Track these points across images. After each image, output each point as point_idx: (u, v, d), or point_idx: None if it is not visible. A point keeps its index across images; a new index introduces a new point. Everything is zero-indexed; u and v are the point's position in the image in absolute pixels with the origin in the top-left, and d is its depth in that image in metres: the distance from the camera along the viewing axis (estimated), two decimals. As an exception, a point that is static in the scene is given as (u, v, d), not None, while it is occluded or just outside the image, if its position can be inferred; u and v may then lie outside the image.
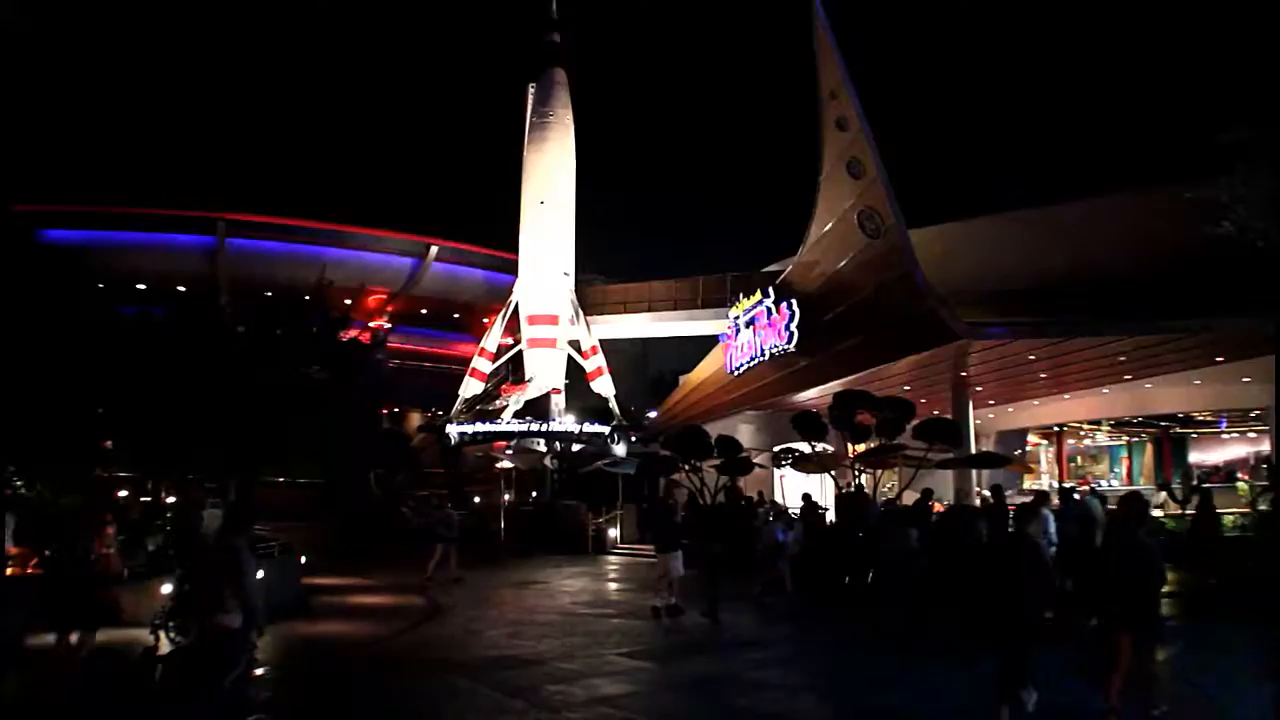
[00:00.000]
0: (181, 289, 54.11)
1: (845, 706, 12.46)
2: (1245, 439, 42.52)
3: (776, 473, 32.65)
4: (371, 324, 58.57)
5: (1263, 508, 24.15)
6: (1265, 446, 35.36)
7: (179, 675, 10.22)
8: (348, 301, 51.92)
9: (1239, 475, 37.14)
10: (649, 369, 67.16)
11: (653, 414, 50.90)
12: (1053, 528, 18.60)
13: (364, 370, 28.97)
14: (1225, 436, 43.77)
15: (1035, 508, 12.46)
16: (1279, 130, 10.45)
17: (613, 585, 25.34)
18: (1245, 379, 30.63)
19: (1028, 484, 38.83)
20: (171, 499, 24.42)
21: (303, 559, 21.82)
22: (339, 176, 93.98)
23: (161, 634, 14.23)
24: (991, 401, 37.18)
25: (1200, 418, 40.64)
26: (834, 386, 28.07)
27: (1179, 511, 25.95)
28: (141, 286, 50.57)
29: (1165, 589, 11.80)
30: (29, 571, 17.57)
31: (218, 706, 9.39)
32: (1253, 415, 37.50)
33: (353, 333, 29.68)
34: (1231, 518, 26.34)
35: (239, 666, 9.58)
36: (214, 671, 9.36)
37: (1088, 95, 56.25)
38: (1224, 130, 10.64)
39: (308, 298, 28.97)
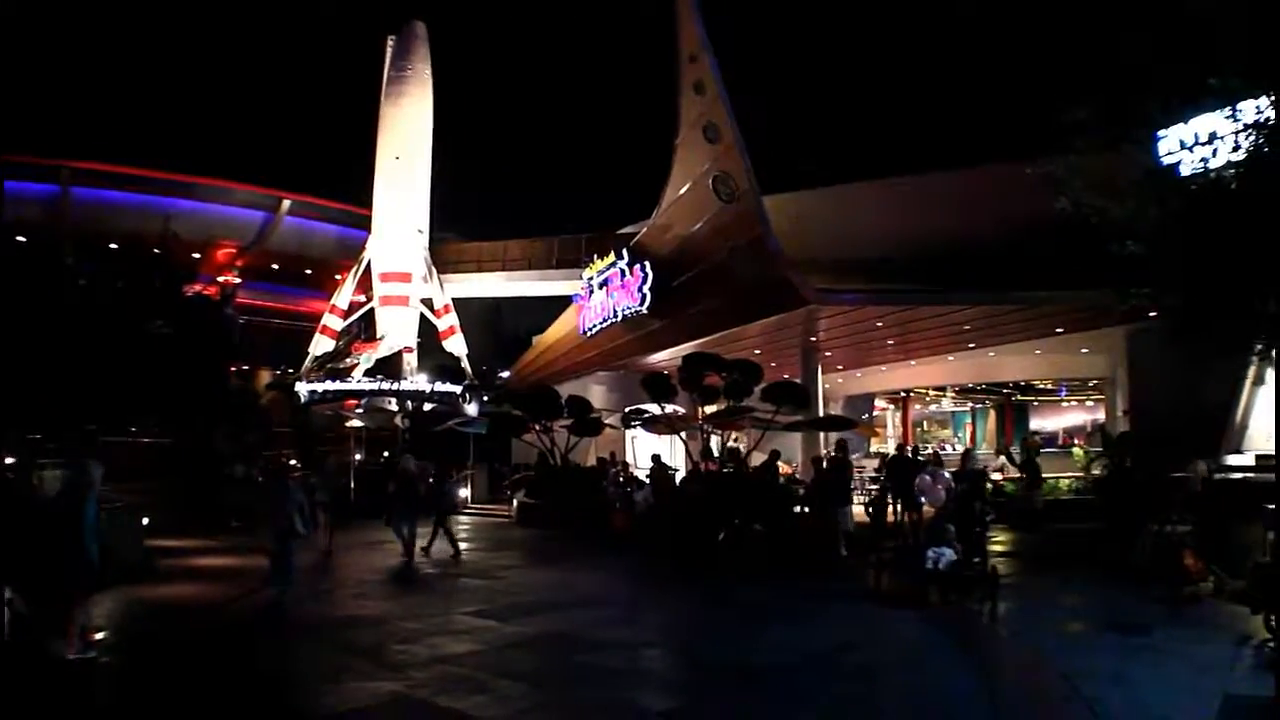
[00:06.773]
0: (22, 239, 52.17)
1: (688, 662, 12.57)
2: (1084, 407, 44.05)
3: (628, 434, 32.79)
4: (220, 278, 57.19)
5: (1096, 472, 25.09)
6: (1102, 415, 36.61)
7: None
8: (195, 255, 50.52)
9: (1076, 441, 38.55)
10: (502, 328, 66.80)
11: (505, 373, 50.70)
12: None
13: (211, 325, 28.30)
14: (1065, 404, 45.30)
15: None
16: (1110, 111, 10.76)
17: (461, 545, 25.16)
18: (1084, 350, 31.68)
19: (874, 447, 39.61)
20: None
21: (145, 520, 21.15)
22: (191, 126, 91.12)
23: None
24: (840, 366, 37.80)
25: (1041, 386, 41.97)
26: (686, 349, 28.15)
27: (1017, 475, 26.82)
28: (-23, 236, 48.62)
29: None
30: None
31: None
32: (1091, 384, 38.87)
33: (199, 287, 28.93)
34: (1068, 482, 27.34)
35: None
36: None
37: (942, 70, 57.25)
38: (1065, 109, 10.89)
39: (156, 250, 28.21)
